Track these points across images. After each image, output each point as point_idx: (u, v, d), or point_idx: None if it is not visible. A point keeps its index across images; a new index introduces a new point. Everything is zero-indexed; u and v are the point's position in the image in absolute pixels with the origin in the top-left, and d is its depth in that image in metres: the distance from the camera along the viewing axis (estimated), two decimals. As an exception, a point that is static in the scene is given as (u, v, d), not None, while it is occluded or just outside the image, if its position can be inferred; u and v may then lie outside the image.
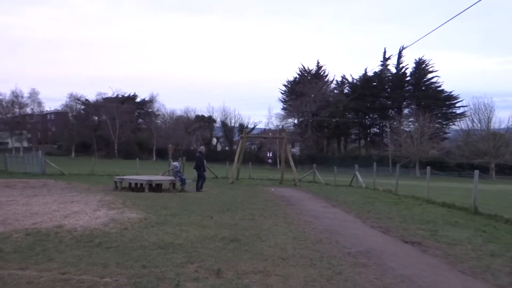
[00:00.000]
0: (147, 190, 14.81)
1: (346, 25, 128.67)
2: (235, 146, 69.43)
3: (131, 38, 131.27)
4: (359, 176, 21.70)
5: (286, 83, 74.06)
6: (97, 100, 76.33)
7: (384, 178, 29.25)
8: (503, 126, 60.06)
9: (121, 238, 6.51)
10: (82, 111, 78.09)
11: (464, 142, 64.88)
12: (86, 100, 77.16)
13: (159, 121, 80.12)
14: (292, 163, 22.86)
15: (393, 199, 14.61)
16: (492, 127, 59.69)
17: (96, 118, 77.82)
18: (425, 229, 8.67)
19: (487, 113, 58.99)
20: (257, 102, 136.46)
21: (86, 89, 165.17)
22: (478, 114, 59.53)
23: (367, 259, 5.91)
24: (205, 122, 73.76)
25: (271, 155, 23.28)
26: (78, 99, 76.41)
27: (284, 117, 71.79)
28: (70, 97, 75.53)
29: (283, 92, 74.55)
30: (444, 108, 67.79)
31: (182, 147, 68.22)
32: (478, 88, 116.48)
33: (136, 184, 15.66)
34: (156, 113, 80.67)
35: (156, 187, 15.61)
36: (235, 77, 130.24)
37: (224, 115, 75.64)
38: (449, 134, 71.48)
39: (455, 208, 12.11)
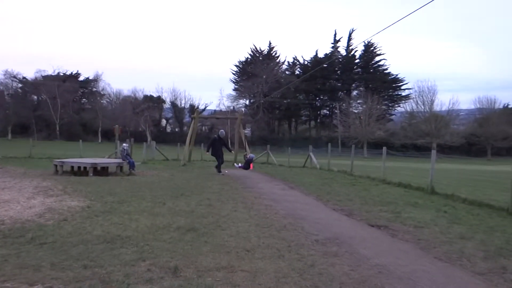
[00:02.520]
0: (91, 174, 13.67)
1: (297, 6, 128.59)
2: (185, 128, 67.94)
3: (72, 14, 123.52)
4: (313, 157, 21.58)
5: (237, 64, 73.12)
6: (36, 78, 71.29)
7: (334, 158, 29.50)
8: (444, 108, 63.14)
9: (59, 232, 5.61)
10: (19, 90, 72.71)
11: (408, 123, 67.65)
12: (24, 78, 71.88)
13: (104, 101, 76.48)
14: (246, 144, 22.30)
15: (349, 180, 14.50)
16: (434, 109, 62.57)
17: (36, 97, 72.82)
18: (388, 210, 8.45)
19: (430, 96, 61.69)
20: (208, 83, 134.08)
21: (24, 66, 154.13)
22: (422, 97, 62.18)
23: (338, 247, 5.46)
24: (154, 102, 71.26)
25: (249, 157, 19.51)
26: (15, 77, 71.01)
27: (236, 98, 71.11)
28: (5, 74, 69.97)
29: (234, 72, 73.69)
30: (390, 91, 70.04)
31: (129, 128, 65.71)
32: (422, 71, 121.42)
33: (79, 167, 14.43)
34: (102, 92, 76.88)
35: (101, 171, 14.47)
36: (185, 57, 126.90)
37: (174, 95, 73.62)
38: (394, 116, 74.23)
39: (411, 188, 12.14)
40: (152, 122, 68.93)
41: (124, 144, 16.90)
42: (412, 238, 6.12)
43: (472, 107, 70.45)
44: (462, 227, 6.91)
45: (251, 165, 17.35)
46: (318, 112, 74.52)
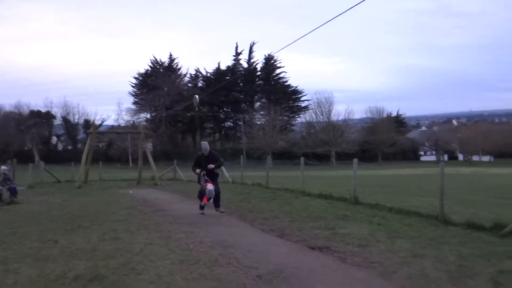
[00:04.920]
0: (-43, 207, 10.98)
1: (198, 18, 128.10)
2: (80, 145, 62.39)
3: None
4: (224, 170, 20.53)
5: (137, 76, 69.47)
6: None
7: (240, 170, 28.78)
8: (340, 118, 66.96)
9: None
10: None
11: (307, 133, 70.50)
12: None
13: (-19, 119, 67.01)
14: (151, 160, 20.54)
15: (268, 194, 13.71)
16: (332, 119, 65.98)
17: None
18: (320, 227, 7.71)
19: (328, 106, 64.95)
20: (104, 97, 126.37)
21: None
22: (320, 107, 65.17)
23: (287, 284, 4.44)
24: (42, 118, 64.24)
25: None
26: None
27: (136, 112, 67.45)
28: None
29: (133, 85, 69.78)
30: (290, 102, 72.34)
31: (13, 147, 58.32)
32: (318, 84, 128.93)
33: None
34: (-23, 109, 67.24)
35: (-28, 201, 11.77)
36: (76, 69, 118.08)
37: (66, 110, 67.15)
38: (295, 126, 76.90)
39: (333, 199, 11.70)
40: (41, 140, 62.07)
41: (3, 167, 14.17)
42: (364, 261, 5.34)
43: (364, 116, 76.04)
44: (405, 241, 6.37)
45: (205, 198, 9.44)
46: (222, 124, 74.07)
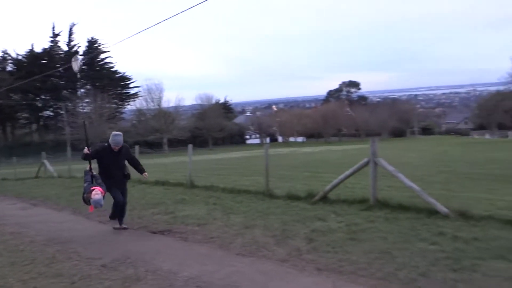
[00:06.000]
0: None
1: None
2: None
3: None
4: (48, 164, 18.75)
5: None
6: None
7: (64, 163, 26.45)
8: (171, 105, 67.17)
9: None
10: None
11: (138, 120, 68.72)
12: None
13: None
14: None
15: (101, 185, 13.16)
16: (162, 106, 65.70)
17: None
18: (161, 212, 7.99)
19: (158, 93, 64.38)
20: None
21: None
22: (151, 94, 64.13)
23: (134, 268, 4.61)
24: None
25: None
26: None
27: None
28: None
29: None
30: (119, 89, 69.00)
31: None
32: (148, 71, 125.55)
33: None
34: None
35: None
36: None
37: None
38: (125, 114, 73.93)
39: (170, 184, 11.99)
40: None
41: None
42: (204, 238, 5.85)
43: (194, 102, 77.86)
44: (238, 216, 7.12)
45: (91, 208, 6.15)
46: (40, 114, 66.01)
